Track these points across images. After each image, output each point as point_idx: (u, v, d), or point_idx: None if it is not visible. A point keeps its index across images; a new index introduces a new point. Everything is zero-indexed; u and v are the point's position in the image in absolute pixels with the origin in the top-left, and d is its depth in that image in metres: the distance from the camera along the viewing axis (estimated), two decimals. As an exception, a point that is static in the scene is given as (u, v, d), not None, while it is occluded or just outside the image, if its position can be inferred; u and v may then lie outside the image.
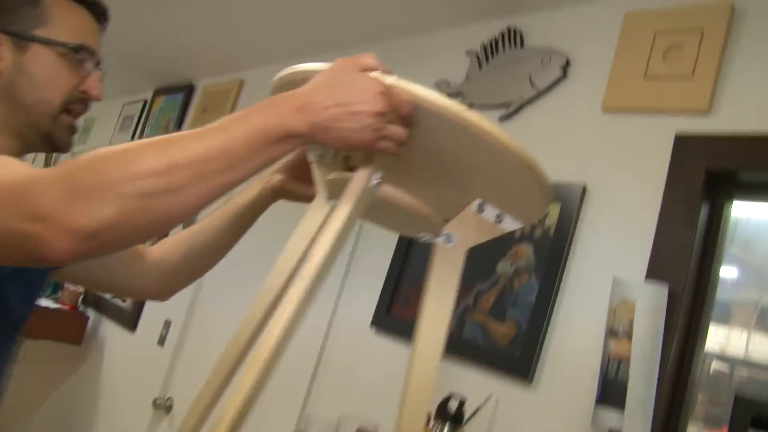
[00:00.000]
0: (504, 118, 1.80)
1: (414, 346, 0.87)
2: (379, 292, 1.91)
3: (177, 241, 1.23)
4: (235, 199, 1.19)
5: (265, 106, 0.75)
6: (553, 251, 1.55)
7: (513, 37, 1.87)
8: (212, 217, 1.20)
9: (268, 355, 0.71)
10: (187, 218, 0.73)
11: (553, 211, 1.58)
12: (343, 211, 0.79)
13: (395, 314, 1.84)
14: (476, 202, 0.90)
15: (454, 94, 1.95)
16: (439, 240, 0.91)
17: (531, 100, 1.76)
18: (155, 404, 2.52)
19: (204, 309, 2.59)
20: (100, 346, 3.21)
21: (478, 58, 1.95)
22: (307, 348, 2.02)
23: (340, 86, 0.77)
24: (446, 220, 0.92)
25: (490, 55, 1.92)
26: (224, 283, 2.52)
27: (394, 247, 1.93)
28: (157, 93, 3.69)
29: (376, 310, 1.89)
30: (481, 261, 1.69)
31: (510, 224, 0.92)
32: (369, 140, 0.77)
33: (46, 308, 3.17)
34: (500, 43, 1.90)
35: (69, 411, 3.19)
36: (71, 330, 3.25)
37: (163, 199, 0.68)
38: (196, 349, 2.56)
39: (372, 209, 0.88)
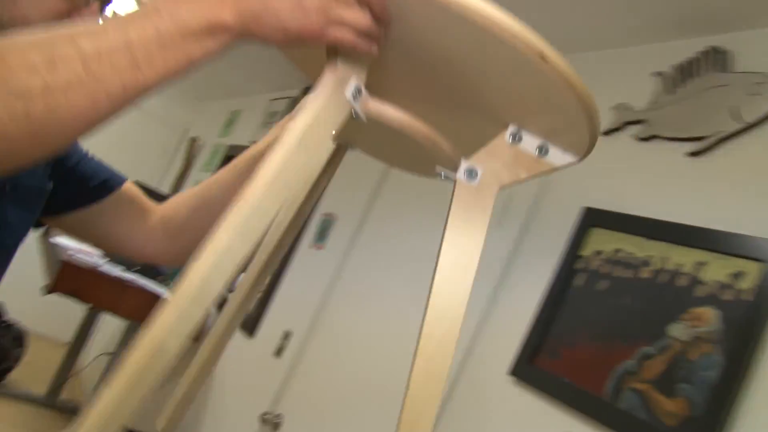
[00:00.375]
0: (695, 154, 1.52)
1: (424, 320, 0.68)
2: (523, 337, 1.68)
3: (186, 195, 1.11)
4: (249, 148, 1.05)
5: None
6: (747, 321, 1.28)
7: (715, 59, 1.59)
8: (225, 169, 1.07)
9: (182, 303, 0.55)
10: (78, 131, 0.58)
11: (752, 272, 1.31)
12: (298, 122, 0.62)
13: (540, 366, 1.61)
14: (510, 129, 0.70)
15: (635, 122, 1.71)
16: (459, 176, 0.70)
17: (733, 136, 1.47)
18: (263, 419, 2.39)
19: (329, 323, 2.44)
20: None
21: (669, 81, 1.68)
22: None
23: None
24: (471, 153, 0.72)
25: (685, 78, 1.64)
26: (354, 294, 2.36)
27: (545, 287, 1.70)
28: (307, 90, 3.62)
29: (517, 358, 1.67)
30: (647, 318, 1.45)
31: (559, 158, 0.71)
32: (315, 26, 0.63)
33: (160, 295, 3.05)
34: (699, 65, 1.62)
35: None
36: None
37: (42, 101, 0.54)
38: (315, 365, 2.41)
39: (361, 135, 0.73)
